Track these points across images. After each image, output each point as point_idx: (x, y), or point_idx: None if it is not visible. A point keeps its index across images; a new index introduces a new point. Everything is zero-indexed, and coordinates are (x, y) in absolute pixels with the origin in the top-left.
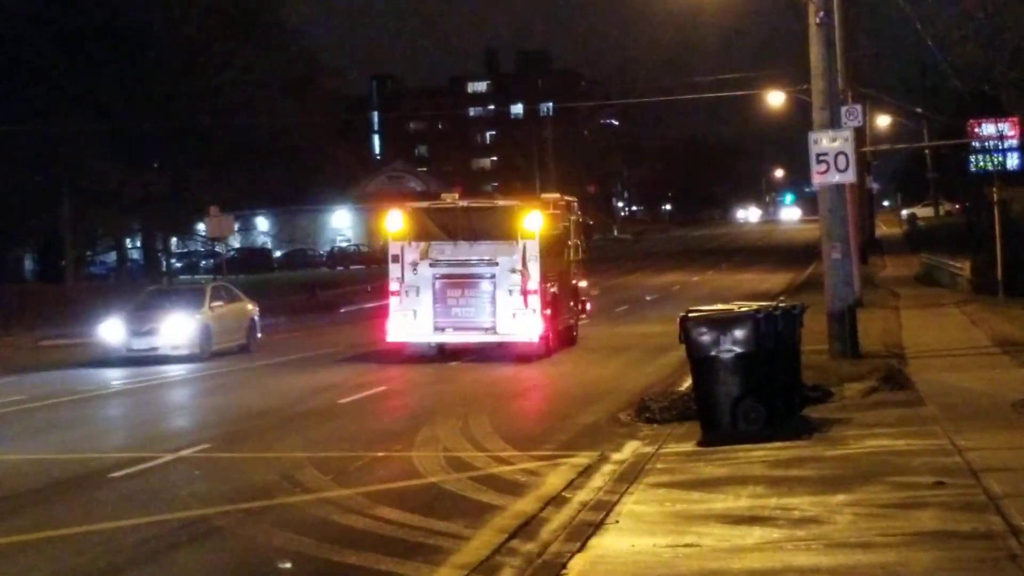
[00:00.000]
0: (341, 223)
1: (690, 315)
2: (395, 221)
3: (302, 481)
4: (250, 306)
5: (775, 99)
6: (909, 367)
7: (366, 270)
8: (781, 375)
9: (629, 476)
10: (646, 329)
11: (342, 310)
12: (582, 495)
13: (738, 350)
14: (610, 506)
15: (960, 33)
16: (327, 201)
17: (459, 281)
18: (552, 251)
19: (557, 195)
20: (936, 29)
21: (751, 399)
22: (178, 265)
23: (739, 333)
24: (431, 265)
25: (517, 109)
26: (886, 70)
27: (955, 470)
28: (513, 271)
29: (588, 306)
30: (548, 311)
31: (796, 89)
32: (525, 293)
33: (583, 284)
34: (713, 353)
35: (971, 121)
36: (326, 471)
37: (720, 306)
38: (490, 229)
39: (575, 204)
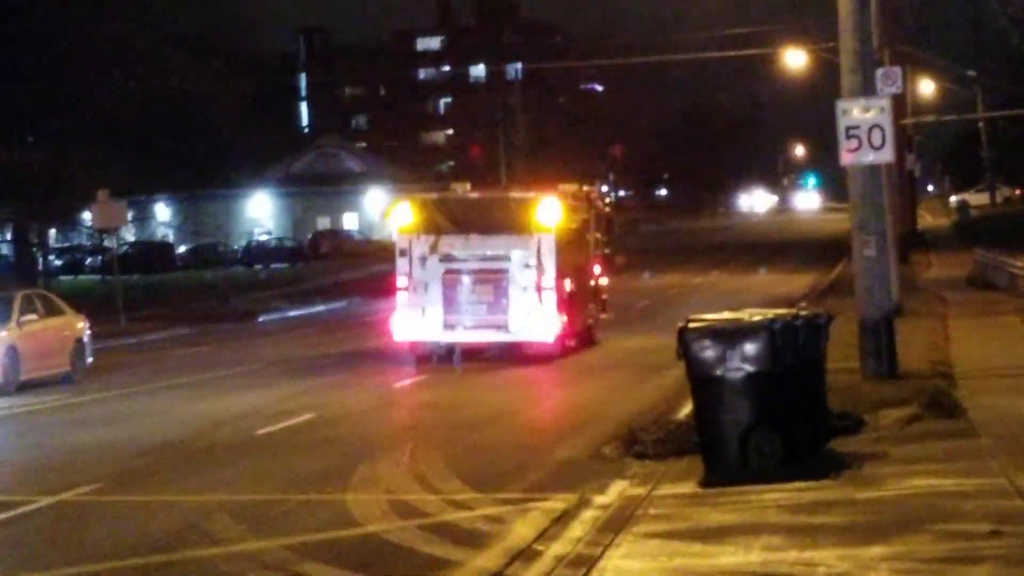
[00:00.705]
0: (260, 211)
1: (691, 325)
2: (403, 213)
3: (211, 530)
4: (79, 323)
5: (795, 60)
6: (959, 390)
7: (291, 269)
8: (802, 400)
9: (615, 524)
10: (636, 343)
11: (261, 319)
12: (557, 548)
13: (749, 369)
14: (592, 561)
15: None
16: (242, 184)
17: (471, 276)
18: (570, 246)
19: (576, 186)
20: None
21: (765, 429)
22: (58, 263)
23: (751, 348)
24: (441, 260)
25: (478, 71)
26: (932, 24)
27: (1015, 516)
28: (527, 266)
29: (604, 314)
30: (565, 310)
31: (821, 47)
32: (540, 290)
33: (604, 282)
34: (719, 372)
35: None
36: (241, 518)
37: (728, 314)
38: (504, 222)
39: (596, 195)
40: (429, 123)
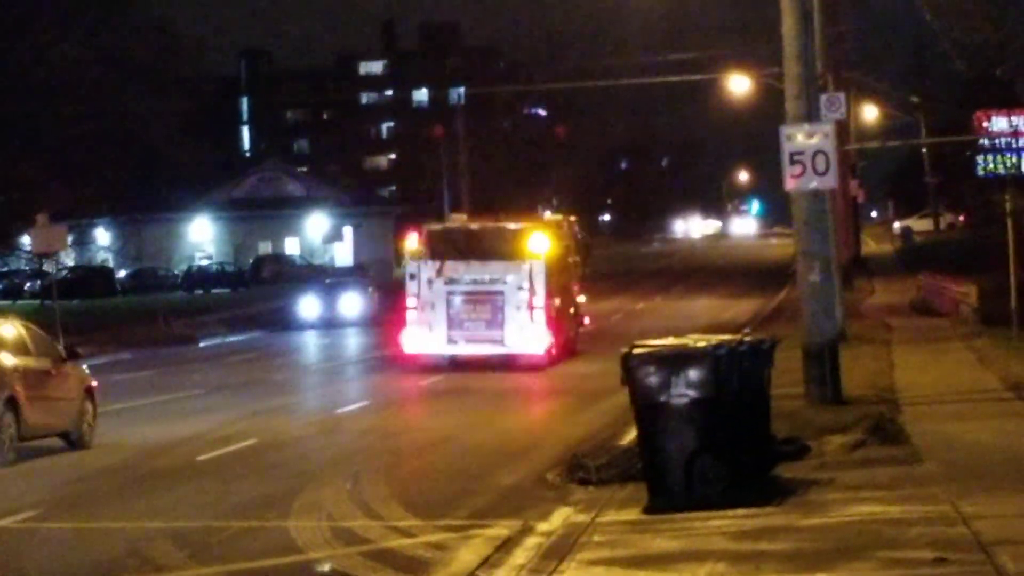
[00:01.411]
0: (201, 236)
1: (635, 351)
2: (414, 242)
3: (152, 557)
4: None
5: (740, 86)
6: (903, 416)
7: (232, 294)
8: (746, 426)
9: (559, 551)
10: (580, 369)
11: (202, 344)
12: (500, 575)
13: (694, 395)
14: None
15: (965, 2)
16: (184, 208)
17: (471, 297)
18: (555, 269)
19: (560, 216)
20: None
21: (710, 455)
22: None
23: (695, 374)
24: (446, 282)
25: (421, 95)
26: (875, 50)
27: (960, 543)
28: (520, 288)
29: (586, 320)
30: (552, 326)
31: (765, 73)
32: (531, 309)
33: (581, 299)
34: (663, 399)
35: (979, 114)
36: (182, 544)
37: (672, 340)
38: (500, 249)
39: (575, 224)
40: (372, 147)
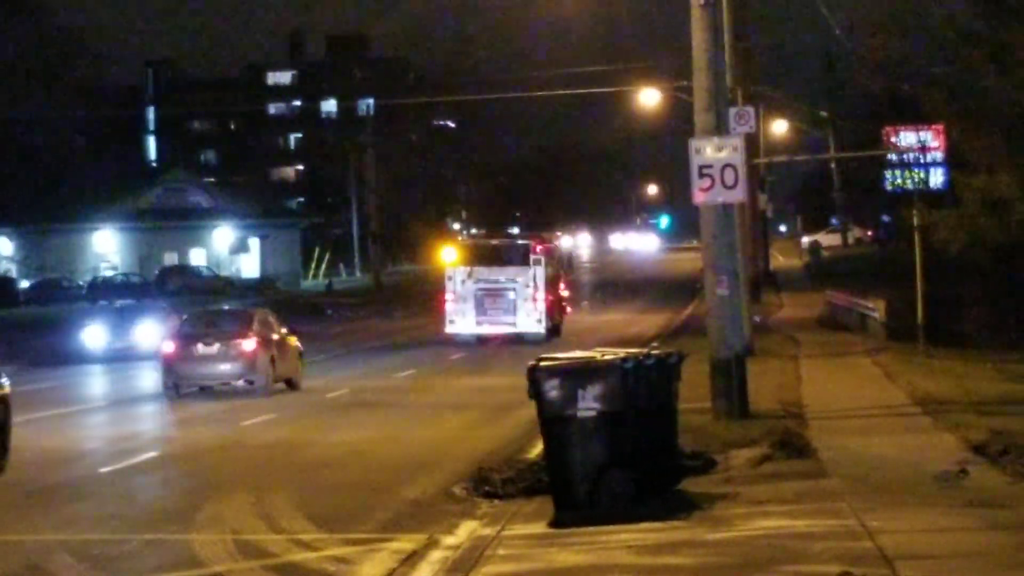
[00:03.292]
0: (106, 246)
1: (542, 364)
2: (450, 254)
3: (54, 571)
4: None
5: (649, 99)
6: (809, 430)
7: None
8: (653, 439)
9: (464, 565)
10: (487, 382)
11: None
12: None
13: (601, 408)
14: None
15: (873, 18)
16: (89, 219)
17: (492, 293)
18: (550, 273)
19: (551, 234)
20: (844, 14)
21: (616, 469)
22: None
23: (602, 387)
24: (474, 282)
25: (329, 106)
26: (785, 65)
27: (865, 557)
28: (527, 287)
29: (568, 309)
30: (549, 313)
31: (675, 86)
32: (535, 301)
33: (565, 293)
34: (570, 412)
35: (886, 128)
36: (82, 558)
37: (579, 354)
38: (512, 258)
39: (560, 239)
40: (279, 158)
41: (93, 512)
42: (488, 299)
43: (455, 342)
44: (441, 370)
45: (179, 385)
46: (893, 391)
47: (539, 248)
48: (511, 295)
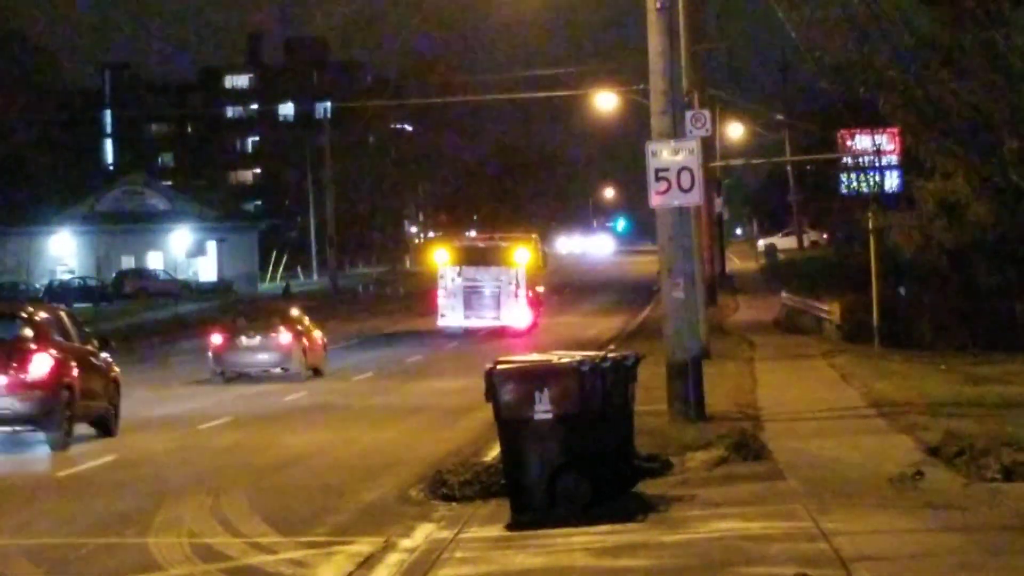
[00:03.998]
0: (63, 249)
1: (499, 367)
2: (442, 255)
3: (9, 575)
4: None
5: (607, 102)
6: (765, 432)
7: (95, 309)
8: (609, 442)
9: (421, 567)
10: (443, 385)
11: None
12: None
13: (557, 411)
14: None
15: (830, 21)
16: (45, 221)
17: (479, 290)
18: (530, 271)
19: (531, 236)
20: (802, 16)
21: (573, 472)
22: None
23: (559, 390)
24: (463, 280)
25: (286, 109)
26: (741, 68)
27: (820, 559)
28: (510, 283)
29: (540, 307)
30: (530, 308)
31: (631, 89)
32: (517, 297)
33: (541, 290)
34: (526, 414)
35: (842, 132)
36: (40, 561)
37: (536, 356)
38: (497, 259)
39: (538, 240)
40: (237, 161)
41: (50, 516)
42: (475, 295)
43: (442, 334)
44: (398, 372)
45: (224, 372)
46: (848, 393)
47: (520, 250)
48: (496, 291)
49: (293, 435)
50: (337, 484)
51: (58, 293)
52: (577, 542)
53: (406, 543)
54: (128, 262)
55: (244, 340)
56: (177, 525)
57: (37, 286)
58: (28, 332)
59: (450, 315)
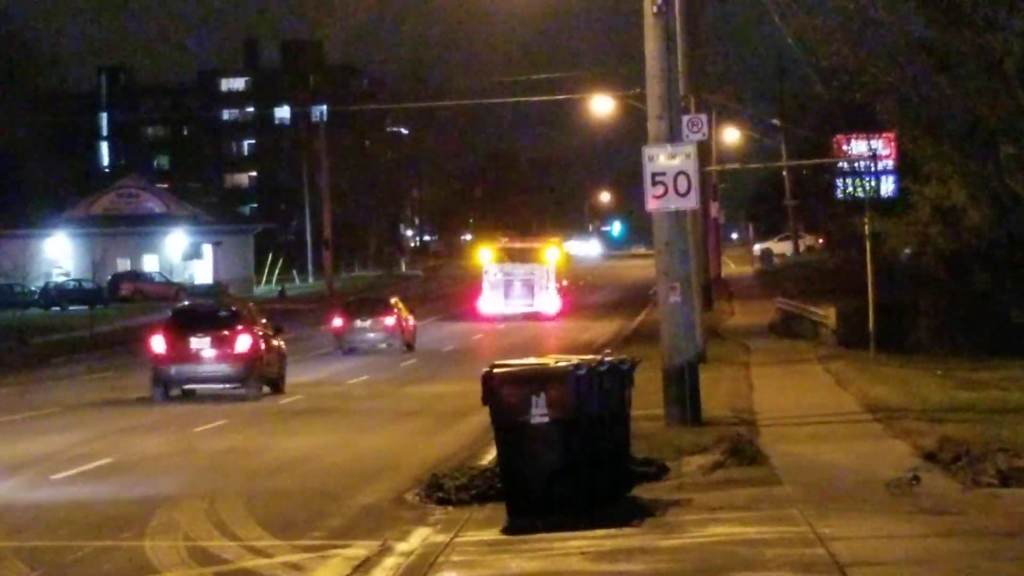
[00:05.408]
0: (58, 252)
1: (495, 371)
2: (487, 254)
3: None
4: None
5: (603, 106)
6: (762, 437)
7: (90, 312)
8: (606, 446)
9: (417, 571)
10: (440, 389)
11: (56, 361)
12: None
13: (554, 415)
14: None
15: (826, 26)
16: (41, 224)
17: (517, 282)
18: (559, 266)
19: (557, 238)
20: (798, 22)
21: (569, 475)
22: None
23: (555, 394)
24: (504, 275)
25: (282, 112)
26: (737, 73)
27: (817, 564)
28: (543, 277)
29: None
30: (560, 297)
31: (628, 94)
32: (548, 288)
33: (565, 283)
34: (523, 418)
35: (838, 137)
36: (35, 564)
37: (533, 360)
38: (532, 257)
39: (563, 243)
40: (232, 164)
41: (46, 518)
42: (513, 286)
43: (438, 338)
44: (394, 376)
45: (343, 347)
46: (844, 398)
47: (551, 249)
48: (531, 283)
49: (289, 438)
50: (333, 487)
51: (53, 296)
52: (573, 546)
53: (402, 547)
54: (124, 265)
55: (358, 323)
56: (173, 528)
57: (33, 288)
58: (232, 321)
59: (491, 303)
